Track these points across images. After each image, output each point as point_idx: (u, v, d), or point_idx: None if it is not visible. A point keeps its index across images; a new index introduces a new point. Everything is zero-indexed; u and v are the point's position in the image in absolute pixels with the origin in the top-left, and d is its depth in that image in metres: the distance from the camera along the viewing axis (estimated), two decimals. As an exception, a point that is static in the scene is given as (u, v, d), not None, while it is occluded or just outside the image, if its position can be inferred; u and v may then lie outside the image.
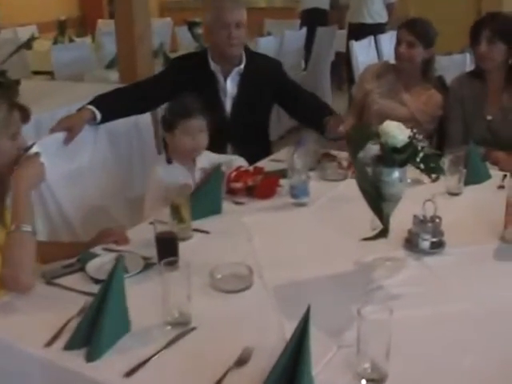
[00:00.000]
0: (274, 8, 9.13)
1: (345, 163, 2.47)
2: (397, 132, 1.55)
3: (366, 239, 1.67)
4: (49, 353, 1.37)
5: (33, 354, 1.38)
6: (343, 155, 2.51)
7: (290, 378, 1.17)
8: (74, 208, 2.43)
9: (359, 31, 5.90)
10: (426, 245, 1.78)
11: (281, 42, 5.84)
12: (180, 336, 1.40)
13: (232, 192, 2.25)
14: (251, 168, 2.38)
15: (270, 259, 1.78)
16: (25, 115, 1.76)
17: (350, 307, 1.43)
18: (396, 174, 1.60)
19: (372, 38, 5.21)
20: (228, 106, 2.88)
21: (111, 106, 2.62)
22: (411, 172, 2.31)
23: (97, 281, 1.64)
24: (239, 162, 2.42)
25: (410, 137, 1.56)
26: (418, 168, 1.58)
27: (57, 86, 4.62)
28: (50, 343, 1.39)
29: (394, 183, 1.60)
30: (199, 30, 6.08)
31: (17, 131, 1.72)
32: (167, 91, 2.70)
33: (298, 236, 1.95)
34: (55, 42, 7.07)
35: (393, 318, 1.42)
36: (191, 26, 6.10)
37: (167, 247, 1.71)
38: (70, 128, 2.44)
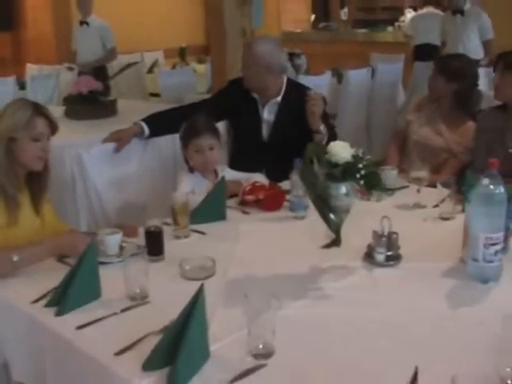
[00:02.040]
0: (387, 43, 9.27)
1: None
2: (340, 150, 1.77)
3: (322, 247, 1.90)
4: (32, 308, 1.74)
5: (20, 308, 1.76)
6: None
7: (174, 349, 1.39)
8: (117, 210, 2.83)
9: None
10: (380, 258, 1.95)
11: (372, 74, 6.03)
12: (133, 306, 1.72)
13: (244, 203, 2.54)
14: (267, 184, 2.65)
15: (243, 259, 2.05)
16: (52, 127, 2.14)
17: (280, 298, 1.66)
18: (342, 188, 1.81)
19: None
20: (265, 131, 3.13)
21: (160, 124, 3.00)
22: (413, 197, 2.51)
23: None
24: (258, 178, 2.69)
25: (353, 155, 1.77)
26: (358, 184, 1.77)
27: (153, 106, 5.12)
28: (36, 301, 1.76)
29: (340, 197, 1.81)
30: (298, 61, 6.42)
31: (39, 137, 2.09)
32: (218, 112, 3.00)
33: (277, 243, 2.19)
34: (173, 67, 7.78)
35: (313, 313, 1.66)
36: (291, 56, 6.44)
37: (153, 240, 2.04)
38: (118, 139, 2.85)
